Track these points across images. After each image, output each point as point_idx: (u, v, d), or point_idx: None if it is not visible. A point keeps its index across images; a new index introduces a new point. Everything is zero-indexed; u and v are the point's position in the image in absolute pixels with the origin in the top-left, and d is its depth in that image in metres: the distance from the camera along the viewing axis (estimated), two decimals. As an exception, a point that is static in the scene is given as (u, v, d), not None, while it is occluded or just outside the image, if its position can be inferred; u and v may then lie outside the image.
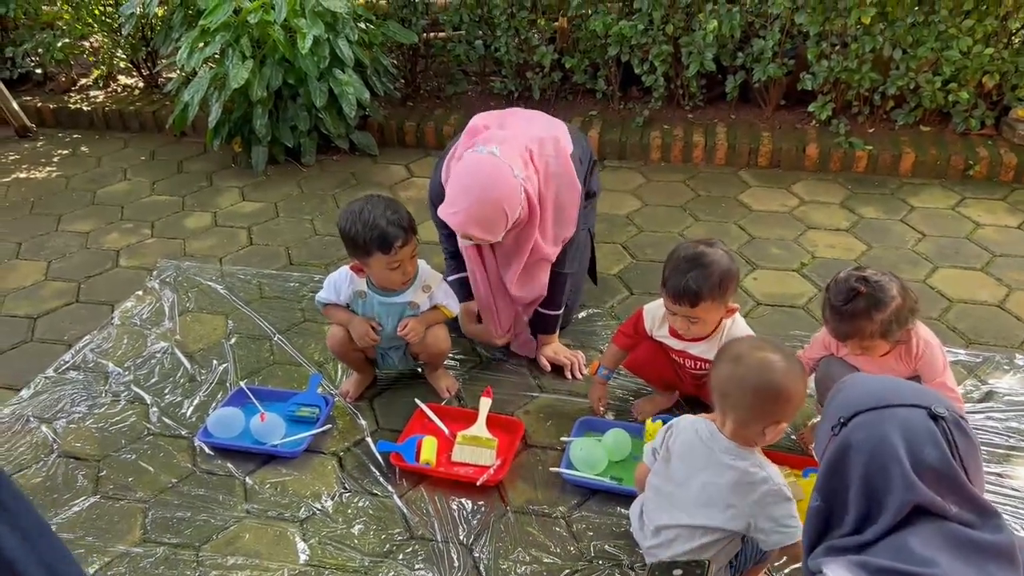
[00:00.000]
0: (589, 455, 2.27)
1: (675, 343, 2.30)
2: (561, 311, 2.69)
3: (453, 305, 2.52)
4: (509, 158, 2.25)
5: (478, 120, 2.47)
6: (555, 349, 2.73)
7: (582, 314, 2.96)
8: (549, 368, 2.71)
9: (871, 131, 4.06)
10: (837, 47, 3.91)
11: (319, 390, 2.60)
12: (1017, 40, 3.85)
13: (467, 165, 2.27)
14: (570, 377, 2.67)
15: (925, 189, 3.77)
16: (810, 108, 4.08)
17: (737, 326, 2.23)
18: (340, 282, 2.46)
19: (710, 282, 2.08)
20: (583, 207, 2.70)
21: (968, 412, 2.43)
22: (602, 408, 2.49)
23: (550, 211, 2.42)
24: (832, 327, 2.06)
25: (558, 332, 2.75)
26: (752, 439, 1.75)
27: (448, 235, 2.62)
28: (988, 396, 2.51)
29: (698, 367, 2.32)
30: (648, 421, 2.34)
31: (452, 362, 2.75)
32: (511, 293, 2.57)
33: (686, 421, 1.87)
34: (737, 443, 1.75)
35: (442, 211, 2.27)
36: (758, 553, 1.85)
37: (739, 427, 1.73)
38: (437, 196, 2.45)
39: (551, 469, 2.29)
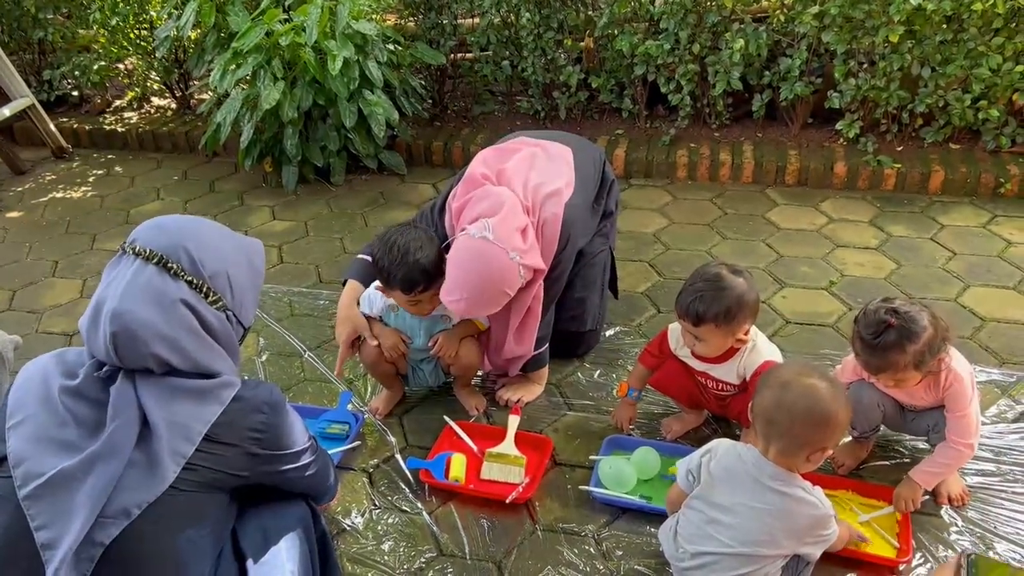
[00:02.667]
0: (618, 473, 2.27)
1: (697, 364, 2.30)
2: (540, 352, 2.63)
3: (484, 318, 2.54)
4: (505, 236, 2.21)
5: (476, 167, 2.45)
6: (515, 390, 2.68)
7: (609, 332, 2.96)
8: (501, 403, 2.66)
9: (899, 149, 4.05)
10: (865, 65, 3.90)
11: (349, 407, 2.62)
12: (1048, 57, 3.82)
13: (462, 253, 2.23)
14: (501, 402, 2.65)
15: (955, 207, 3.74)
16: (838, 126, 4.07)
17: (758, 350, 2.22)
18: (374, 296, 2.49)
19: (715, 308, 2.07)
20: (600, 227, 2.72)
21: (1001, 432, 2.41)
22: (629, 427, 2.49)
23: None
24: (864, 361, 2.02)
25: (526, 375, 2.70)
26: (797, 465, 1.75)
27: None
28: (1022, 416, 2.47)
29: (720, 388, 2.32)
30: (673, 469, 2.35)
31: (480, 379, 2.76)
32: (509, 348, 2.54)
33: (726, 445, 1.87)
34: (781, 468, 1.75)
35: (443, 297, 2.26)
36: (802, 568, 1.84)
37: (784, 454, 1.73)
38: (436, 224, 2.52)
39: (581, 488, 2.29)
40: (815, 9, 3.75)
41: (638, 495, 2.24)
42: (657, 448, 2.35)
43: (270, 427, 1.53)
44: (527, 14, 4.29)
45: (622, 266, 3.00)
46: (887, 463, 2.34)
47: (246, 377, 1.61)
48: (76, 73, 5.15)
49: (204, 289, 1.45)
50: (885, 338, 1.92)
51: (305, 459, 1.66)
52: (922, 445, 2.37)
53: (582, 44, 4.43)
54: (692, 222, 3.76)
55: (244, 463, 1.50)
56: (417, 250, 2.26)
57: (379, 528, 2.21)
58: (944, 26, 3.68)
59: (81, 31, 5.30)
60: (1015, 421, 2.46)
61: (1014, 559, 2.03)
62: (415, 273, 2.26)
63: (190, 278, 1.44)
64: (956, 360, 2.06)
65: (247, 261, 1.58)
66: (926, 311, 1.96)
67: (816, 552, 1.81)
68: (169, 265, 1.43)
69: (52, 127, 4.90)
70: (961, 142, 4.07)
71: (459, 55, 4.78)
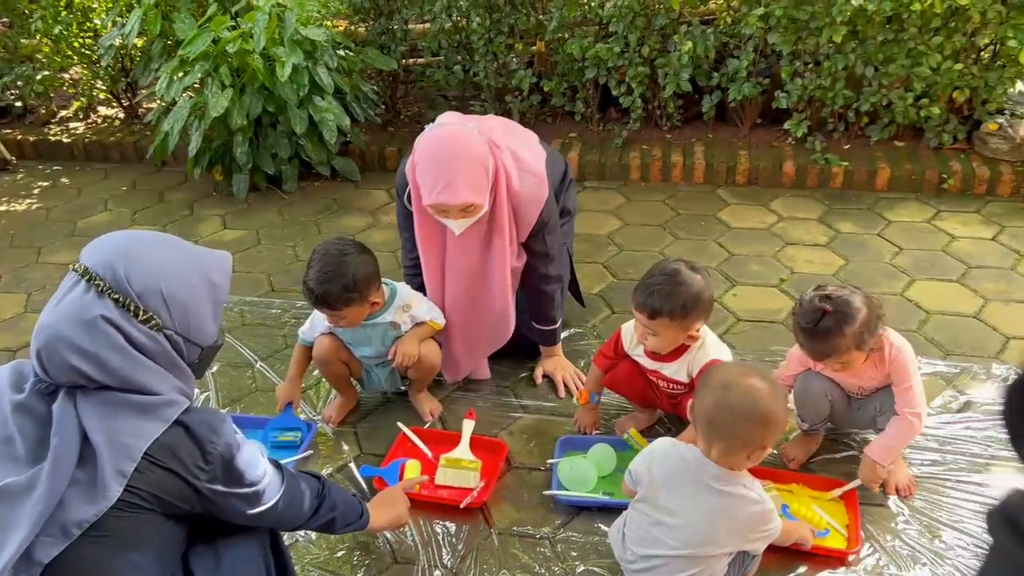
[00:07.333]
0: (579, 473, 2.28)
1: (649, 363, 2.32)
2: (557, 325, 2.71)
3: (439, 318, 2.54)
4: (458, 120, 2.30)
5: (441, 117, 2.49)
6: (556, 364, 2.75)
7: (565, 334, 2.96)
8: (539, 382, 2.72)
9: (846, 147, 4.12)
10: (810, 65, 3.97)
11: (301, 416, 2.59)
12: (985, 56, 3.92)
13: (427, 145, 2.28)
14: (562, 395, 2.68)
15: (901, 203, 3.82)
16: (786, 126, 4.13)
17: (706, 348, 2.24)
18: (317, 317, 2.50)
19: (672, 303, 2.09)
20: (559, 223, 2.72)
21: (947, 423, 2.46)
22: (594, 432, 2.50)
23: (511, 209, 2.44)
24: (808, 349, 2.08)
25: (560, 345, 2.78)
26: (738, 464, 1.77)
27: (408, 237, 2.59)
28: (966, 406, 2.53)
29: (671, 387, 2.34)
30: (632, 430, 2.36)
31: (434, 384, 2.74)
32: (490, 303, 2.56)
33: (665, 446, 1.88)
34: (723, 468, 1.76)
35: (429, 199, 2.25)
36: (748, 561, 1.86)
37: (726, 454, 1.75)
38: (402, 187, 2.48)
39: (544, 492, 2.28)
40: (760, 11, 3.80)
41: (600, 492, 2.25)
42: (611, 444, 2.36)
43: (215, 460, 1.46)
44: (477, 19, 4.30)
45: (577, 268, 3.00)
46: (837, 456, 2.38)
47: (198, 393, 1.54)
48: (19, 83, 5.04)
49: (132, 307, 1.40)
50: (823, 325, 1.98)
51: (266, 500, 1.57)
52: (871, 437, 2.40)
53: (533, 48, 4.44)
54: (645, 223, 3.79)
55: (187, 493, 1.45)
56: (334, 272, 2.27)
57: (332, 537, 2.18)
58: (885, 26, 3.75)
59: (23, 40, 5.17)
60: (959, 411, 2.51)
61: (960, 546, 2.07)
62: (328, 297, 2.28)
63: (116, 296, 1.39)
64: (895, 335, 2.13)
65: (201, 278, 1.50)
66: (858, 293, 2.03)
67: (760, 547, 1.83)
68: (96, 282, 1.39)
69: (-6, 139, 4.78)
70: (905, 140, 4.15)
71: (411, 60, 4.76)
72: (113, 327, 1.39)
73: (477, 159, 2.24)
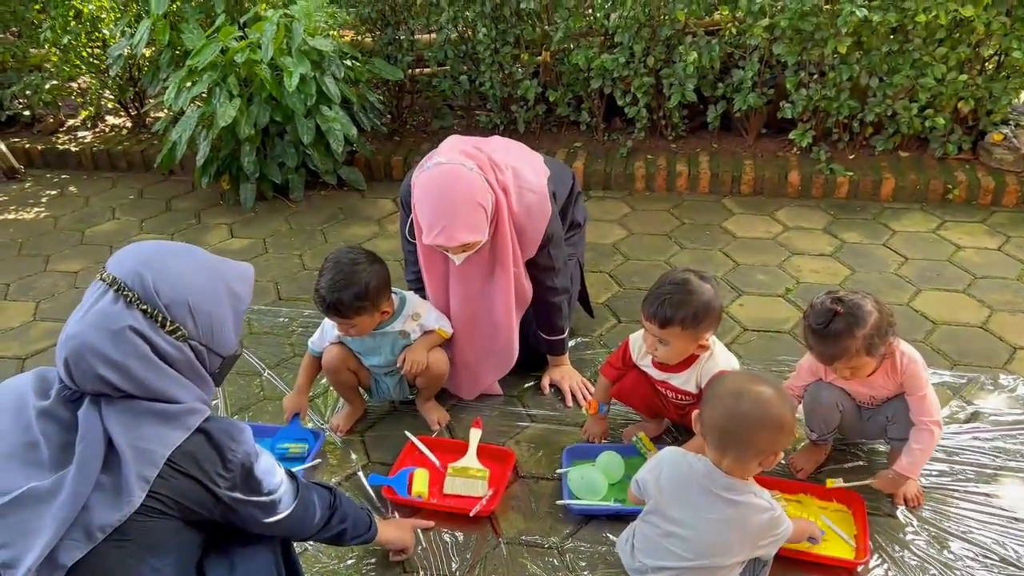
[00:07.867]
0: (589, 482, 2.28)
1: (657, 374, 2.32)
2: (565, 335, 2.72)
3: (447, 326, 2.55)
4: (456, 157, 2.28)
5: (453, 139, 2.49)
6: (563, 373, 2.75)
7: (571, 343, 2.97)
8: (547, 392, 2.73)
9: (851, 157, 4.13)
10: (815, 76, 3.99)
11: (310, 425, 2.60)
12: (990, 66, 3.94)
13: (424, 185, 2.28)
14: (569, 404, 2.68)
15: (906, 213, 3.83)
16: (791, 136, 4.14)
17: (715, 358, 2.24)
18: (328, 326, 2.51)
19: (683, 311, 2.10)
20: (568, 236, 2.74)
21: (954, 433, 2.46)
22: (602, 441, 2.50)
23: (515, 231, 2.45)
24: (817, 352, 2.08)
25: (567, 354, 2.78)
26: (749, 472, 1.78)
27: (411, 251, 2.60)
28: (974, 416, 2.53)
29: (679, 397, 2.34)
30: (641, 434, 2.38)
31: (441, 393, 2.74)
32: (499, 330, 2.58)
33: (675, 456, 1.88)
34: (734, 477, 1.77)
35: (427, 240, 2.29)
36: (759, 568, 1.86)
37: (738, 462, 1.76)
38: (408, 199, 2.48)
39: (557, 503, 2.28)
40: (766, 22, 3.82)
41: (612, 499, 2.25)
42: (617, 451, 2.37)
43: (235, 468, 1.48)
44: (484, 29, 4.32)
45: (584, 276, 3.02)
46: (845, 466, 2.37)
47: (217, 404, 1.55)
48: (27, 92, 5.07)
49: (159, 318, 1.41)
50: (834, 326, 1.99)
51: (282, 510, 1.60)
52: (880, 448, 2.41)
53: (539, 58, 4.46)
54: (650, 232, 3.80)
55: (207, 500, 1.46)
56: (345, 280, 2.28)
57: (341, 547, 2.19)
58: (890, 37, 3.78)
59: (32, 50, 5.22)
60: (967, 422, 2.51)
61: (968, 557, 2.07)
62: (338, 305, 2.29)
63: (144, 307, 1.40)
64: (905, 345, 2.14)
65: (224, 288, 1.52)
66: (869, 298, 2.03)
67: (772, 551, 1.83)
68: (125, 293, 1.41)
69: (3, 148, 4.81)
70: (910, 150, 4.16)
71: (417, 70, 4.79)
72: (140, 337, 1.40)
73: (474, 200, 2.25)
